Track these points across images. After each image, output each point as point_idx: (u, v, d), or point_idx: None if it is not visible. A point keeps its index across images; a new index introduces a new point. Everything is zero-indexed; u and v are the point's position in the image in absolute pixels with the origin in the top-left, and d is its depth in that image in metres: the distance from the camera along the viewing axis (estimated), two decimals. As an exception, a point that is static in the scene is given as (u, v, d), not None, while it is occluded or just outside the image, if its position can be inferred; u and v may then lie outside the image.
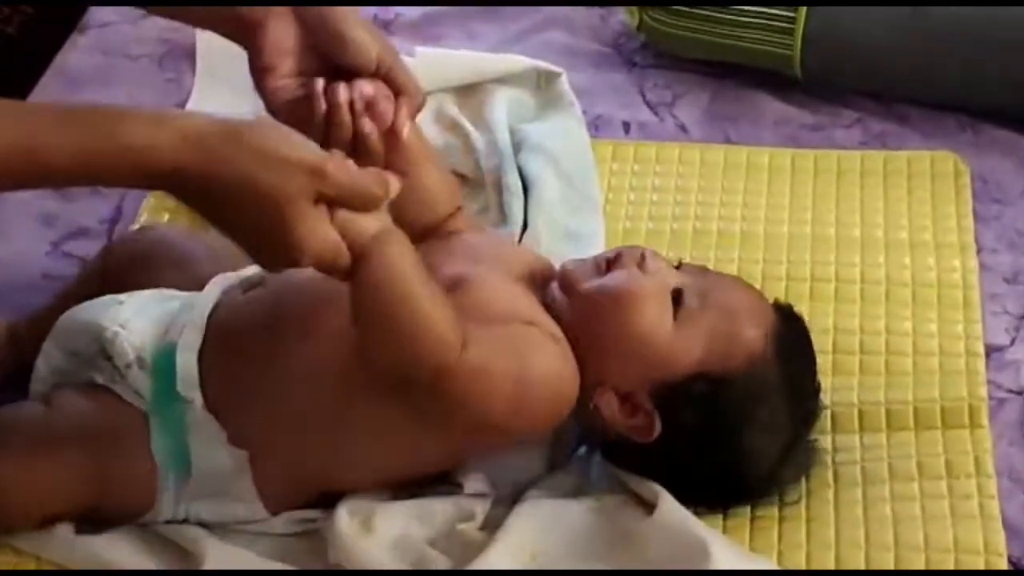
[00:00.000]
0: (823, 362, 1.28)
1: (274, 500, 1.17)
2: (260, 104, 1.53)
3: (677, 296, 1.16)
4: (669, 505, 1.15)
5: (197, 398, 1.16)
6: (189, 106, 1.57)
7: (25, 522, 1.15)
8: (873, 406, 1.27)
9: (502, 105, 1.53)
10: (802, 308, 1.32)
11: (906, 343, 1.33)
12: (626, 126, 1.59)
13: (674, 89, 1.63)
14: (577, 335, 1.16)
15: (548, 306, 1.17)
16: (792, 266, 1.41)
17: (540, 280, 1.20)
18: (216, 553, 1.14)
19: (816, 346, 1.28)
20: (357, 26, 1.16)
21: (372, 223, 1.05)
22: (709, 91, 1.63)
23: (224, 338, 1.17)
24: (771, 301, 1.22)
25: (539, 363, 1.13)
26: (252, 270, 1.24)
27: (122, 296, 1.22)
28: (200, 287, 1.23)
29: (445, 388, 1.08)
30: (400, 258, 1.07)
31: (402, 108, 1.17)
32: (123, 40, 1.67)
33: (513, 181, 1.44)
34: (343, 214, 1.03)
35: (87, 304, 1.23)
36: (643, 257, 1.18)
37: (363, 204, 1.04)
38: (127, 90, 1.61)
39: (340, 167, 1.03)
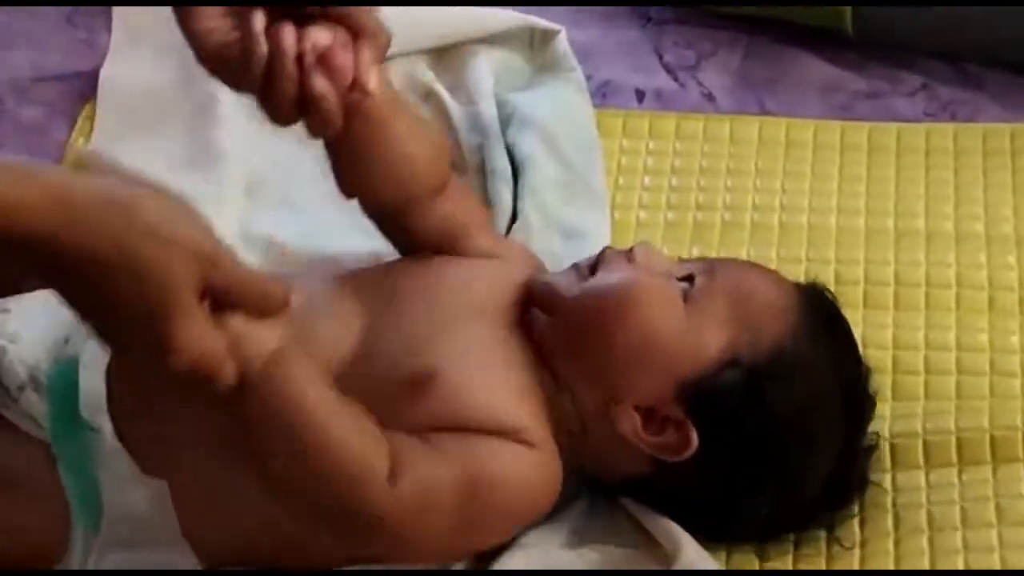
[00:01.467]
0: (880, 384, 1.29)
1: (209, 550, 1.17)
2: (190, 69, 1.57)
3: (685, 280, 1.19)
4: (691, 556, 1.16)
5: (105, 425, 1.15)
6: (105, 71, 1.58)
7: None
8: (941, 436, 1.28)
9: (487, 70, 1.53)
10: (856, 318, 1.35)
11: (981, 360, 1.34)
12: (639, 94, 1.59)
13: (698, 48, 1.64)
14: (573, 356, 1.17)
15: (535, 338, 1.19)
16: (842, 266, 1.41)
17: (528, 300, 1.21)
18: None
19: (872, 365, 1.29)
20: None
21: (268, 335, 1.04)
22: (741, 51, 1.64)
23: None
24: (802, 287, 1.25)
25: (500, 482, 1.13)
26: None
27: (7, 302, 1.21)
28: None
29: (374, 531, 1.09)
30: (299, 382, 1.06)
31: (363, 53, 1.08)
32: None
33: (500, 164, 1.44)
34: (236, 320, 1.01)
35: None
36: (631, 251, 1.20)
37: (258, 309, 1.02)
38: (29, 53, 1.62)
39: (236, 263, 1.01)
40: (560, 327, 1.18)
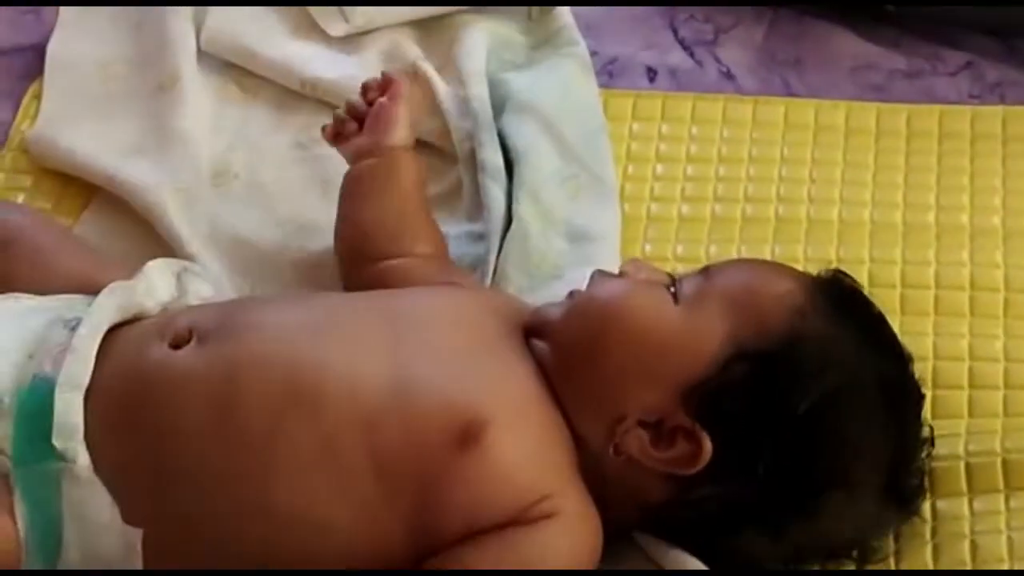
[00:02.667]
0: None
1: None
2: (147, 42, 1.57)
3: (673, 284, 1.22)
4: None
5: (81, 455, 1.16)
6: (52, 45, 1.59)
7: None
8: (986, 458, 1.28)
9: (480, 47, 1.54)
10: (892, 323, 1.32)
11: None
12: (651, 72, 1.60)
13: (716, 22, 1.65)
14: (570, 377, 1.21)
15: (544, 369, 1.22)
16: (877, 266, 1.43)
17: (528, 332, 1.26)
18: None
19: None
20: None
21: None
22: (764, 24, 1.65)
23: (133, 390, 1.19)
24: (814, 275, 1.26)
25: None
26: (161, 292, 1.27)
27: None
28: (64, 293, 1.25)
29: None
30: None
31: None
32: None
33: (492, 158, 1.45)
34: None
35: None
36: (623, 269, 1.25)
37: None
38: None
39: None
40: (554, 350, 1.22)
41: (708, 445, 1.16)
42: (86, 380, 1.18)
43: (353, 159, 1.41)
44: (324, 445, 1.18)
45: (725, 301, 1.20)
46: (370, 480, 1.18)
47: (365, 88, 1.42)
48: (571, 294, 1.26)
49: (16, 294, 1.26)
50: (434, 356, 1.22)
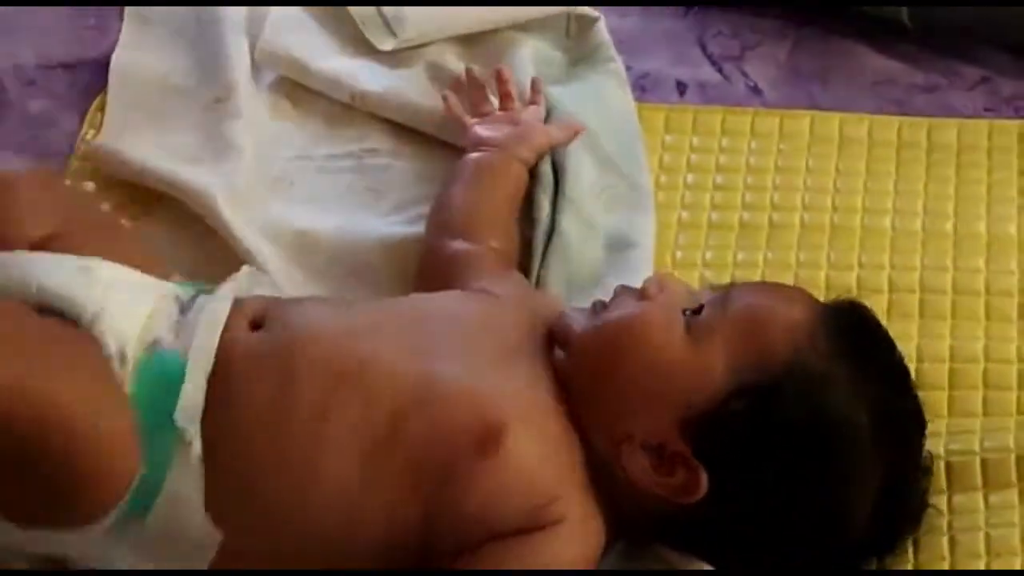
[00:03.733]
0: (937, 400, 1.31)
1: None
2: (204, 56, 1.57)
3: (689, 313, 1.21)
4: None
5: (196, 443, 1.17)
6: (116, 58, 1.59)
7: None
8: (1000, 454, 1.28)
9: (528, 63, 1.53)
10: (911, 329, 1.36)
11: None
12: (681, 87, 1.60)
13: (744, 38, 1.65)
14: (584, 391, 1.21)
15: (560, 378, 1.23)
16: (897, 272, 1.43)
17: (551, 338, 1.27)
18: None
19: (928, 379, 1.32)
20: None
21: None
22: (789, 41, 1.65)
23: (221, 382, 1.19)
24: (829, 304, 1.25)
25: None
26: (244, 287, 1.27)
27: (89, 263, 1.22)
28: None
29: None
30: None
31: None
32: None
33: (544, 168, 1.46)
34: None
35: (24, 260, 1.22)
36: (645, 287, 1.24)
37: None
38: (35, 40, 1.64)
39: None
40: (573, 362, 1.23)
41: (704, 480, 1.17)
42: (208, 370, 1.18)
43: (473, 145, 1.46)
44: (363, 430, 1.19)
45: (732, 334, 1.20)
46: (398, 468, 1.18)
47: (501, 78, 1.49)
48: (594, 305, 1.26)
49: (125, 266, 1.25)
50: (458, 360, 1.23)
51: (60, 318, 1.18)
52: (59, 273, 1.21)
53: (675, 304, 1.23)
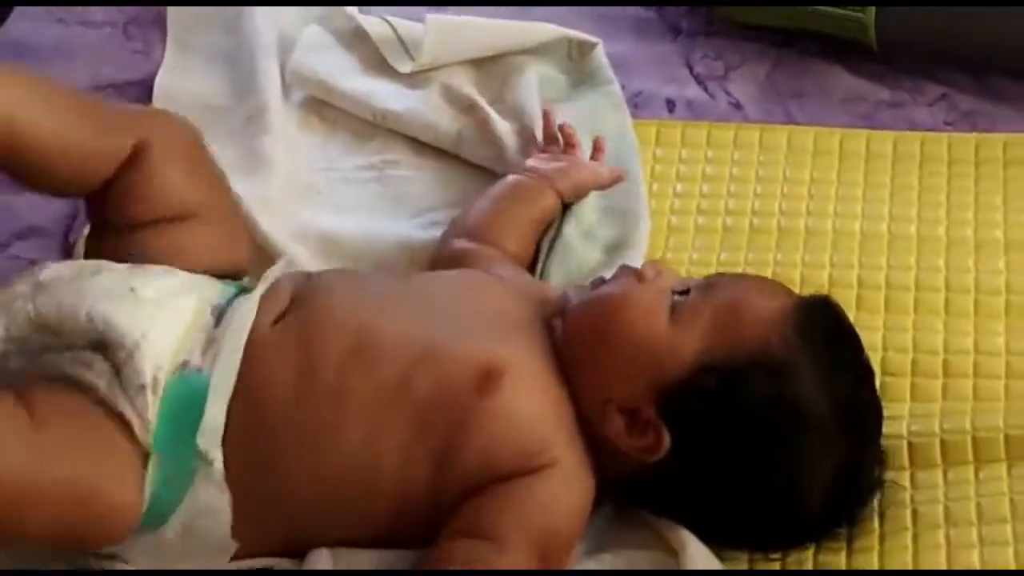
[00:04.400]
0: (900, 387, 1.31)
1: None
2: (239, 79, 1.57)
3: (678, 294, 1.22)
4: (693, 554, 1.18)
5: (218, 461, 1.16)
6: (159, 80, 1.59)
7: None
8: (958, 436, 1.28)
9: (532, 85, 1.53)
10: (876, 322, 1.36)
11: (998, 363, 1.34)
12: (670, 104, 1.60)
13: (727, 60, 1.65)
14: (573, 356, 1.22)
15: (556, 347, 1.23)
16: (865, 271, 1.42)
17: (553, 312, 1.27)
18: None
19: (890, 368, 1.32)
20: None
21: None
22: (768, 62, 1.64)
23: (250, 387, 1.18)
24: (804, 295, 1.26)
25: (554, 524, 1.18)
26: (279, 272, 1.27)
27: (135, 281, 1.21)
28: (200, 266, 1.26)
29: None
30: None
31: None
32: (82, 6, 1.69)
33: None
34: None
35: (75, 284, 1.20)
36: (642, 269, 1.24)
37: None
38: (88, 63, 1.64)
39: None
40: (566, 330, 1.23)
41: (666, 442, 1.18)
42: (231, 388, 1.17)
43: (519, 169, 1.45)
44: (379, 392, 1.19)
45: (710, 318, 1.20)
46: (409, 422, 1.19)
47: (563, 131, 1.47)
48: (593, 282, 1.27)
49: (176, 270, 1.24)
50: (460, 323, 1.24)
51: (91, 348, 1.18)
52: (109, 299, 1.20)
53: (665, 287, 1.23)
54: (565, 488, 1.19)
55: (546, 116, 1.49)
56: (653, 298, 1.22)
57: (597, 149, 1.47)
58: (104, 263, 1.23)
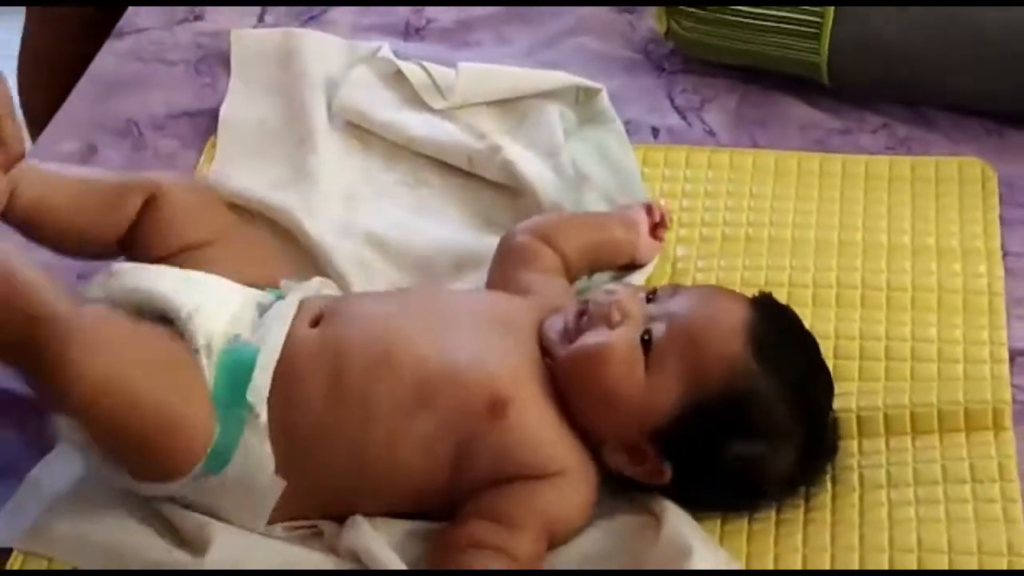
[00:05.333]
0: (848, 369, 1.31)
1: (276, 516, 1.19)
2: (290, 108, 1.57)
3: (646, 338, 1.18)
4: (672, 519, 1.17)
5: (263, 414, 1.16)
6: (224, 109, 1.59)
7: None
8: (898, 410, 1.28)
9: (556, 118, 1.51)
10: (829, 315, 1.37)
11: (931, 349, 1.34)
12: (655, 131, 1.59)
13: (702, 94, 1.64)
14: (568, 398, 1.19)
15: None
16: (819, 273, 1.41)
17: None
18: (223, 538, 1.17)
19: (840, 353, 1.32)
20: None
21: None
22: (737, 96, 1.63)
23: (288, 372, 1.18)
24: (750, 297, 1.24)
25: (562, 516, 1.17)
26: (314, 288, 1.28)
27: (190, 273, 1.23)
28: (234, 274, 1.26)
29: None
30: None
31: None
32: (159, 46, 1.70)
33: (592, 199, 1.46)
34: None
35: (139, 270, 1.22)
36: (609, 308, 1.19)
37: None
38: (163, 94, 1.64)
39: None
40: (557, 376, 1.20)
41: (668, 472, 1.18)
42: (275, 361, 1.18)
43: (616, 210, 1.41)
44: (401, 401, 1.18)
45: (681, 366, 1.17)
46: (427, 432, 1.17)
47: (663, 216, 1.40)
48: (575, 314, 1.22)
49: (220, 277, 1.25)
50: (473, 347, 1.21)
51: (160, 320, 1.18)
52: (164, 281, 1.21)
53: (634, 336, 1.19)
54: (572, 490, 1.18)
55: (656, 206, 1.41)
56: (626, 350, 1.18)
57: (663, 225, 1.41)
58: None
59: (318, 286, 1.31)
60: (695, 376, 1.17)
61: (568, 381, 1.20)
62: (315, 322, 1.22)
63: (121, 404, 1.12)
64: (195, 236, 1.28)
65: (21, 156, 1.20)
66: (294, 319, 1.22)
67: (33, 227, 1.27)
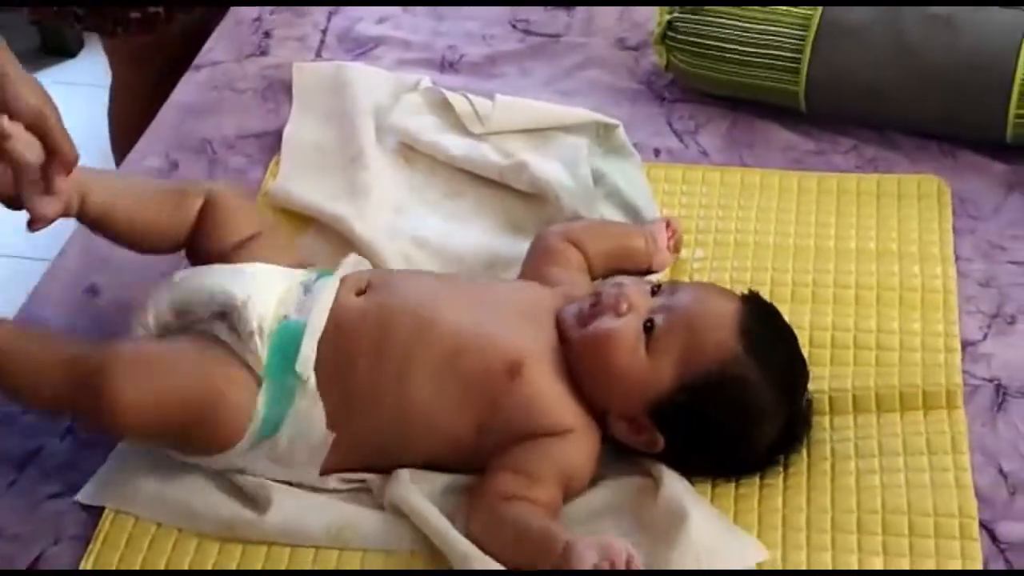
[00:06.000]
0: (822, 356, 1.31)
1: (328, 468, 1.20)
2: (344, 131, 1.58)
3: (649, 325, 1.19)
4: (669, 482, 1.18)
5: (311, 379, 1.17)
6: (286, 131, 1.60)
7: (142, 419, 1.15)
8: (865, 391, 1.28)
9: (583, 146, 1.51)
10: (805, 309, 1.37)
11: (894, 339, 1.34)
12: (656, 152, 1.59)
13: (697, 120, 1.63)
14: (579, 374, 1.20)
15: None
16: (797, 273, 1.41)
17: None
18: (281, 497, 1.18)
19: (815, 342, 1.33)
20: (19, 79, 1.15)
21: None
22: (727, 121, 1.63)
23: (336, 336, 1.19)
24: (740, 295, 1.24)
25: (575, 467, 1.18)
26: (351, 269, 1.28)
27: (241, 266, 1.23)
28: (285, 259, 1.27)
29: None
30: None
31: (52, 165, 1.17)
32: (230, 77, 1.70)
33: (607, 209, 1.46)
34: None
35: (205, 270, 1.24)
36: (618, 299, 1.20)
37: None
38: (234, 118, 1.64)
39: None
40: (570, 356, 1.21)
41: (661, 441, 1.18)
42: (321, 330, 1.19)
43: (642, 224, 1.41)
44: (435, 365, 1.18)
45: (678, 347, 1.18)
46: (457, 391, 1.18)
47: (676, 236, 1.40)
48: (588, 301, 1.22)
49: (270, 264, 1.25)
50: (499, 318, 1.22)
51: (218, 316, 1.19)
52: (220, 278, 1.22)
53: (638, 322, 1.19)
54: (578, 448, 1.19)
55: (674, 222, 1.41)
56: (631, 335, 1.19)
57: (677, 250, 1.41)
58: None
59: (355, 262, 1.30)
60: (690, 358, 1.18)
61: (580, 359, 1.20)
62: (361, 291, 1.24)
63: (162, 410, 1.14)
64: (246, 231, 1.28)
65: (76, 160, 1.19)
66: (339, 290, 1.22)
67: (105, 227, 1.27)
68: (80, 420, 1.21)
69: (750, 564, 1.14)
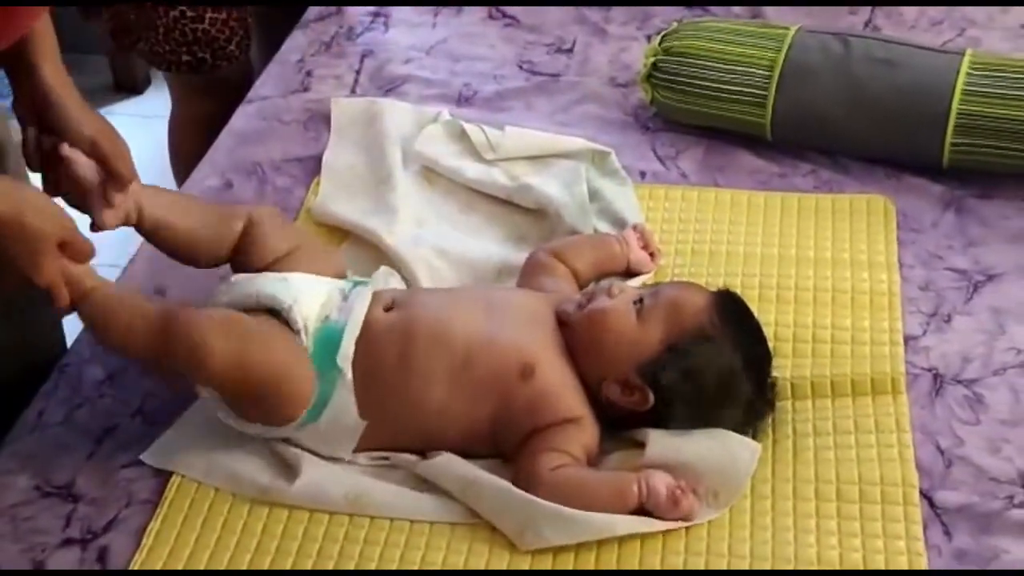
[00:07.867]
0: (785, 348, 1.32)
1: (360, 448, 1.20)
2: (375, 157, 1.58)
3: (638, 301, 1.21)
4: (654, 438, 1.19)
5: (349, 373, 1.18)
6: (325, 156, 1.60)
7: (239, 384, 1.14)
8: (821, 379, 1.29)
9: (583, 170, 1.50)
10: (771, 308, 1.38)
11: (846, 334, 1.34)
12: (643, 174, 1.59)
13: (677, 146, 1.64)
14: (579, 350, 1.22)
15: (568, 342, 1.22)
16: (763, 278, 1.42)
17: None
18: (308, 467, 1.18)
19: (779, 336, 1.34)
20: (78, 110, 1.16)
21: (88, 276, 1.13)
22: (703, 148, 1.63)
23: (367, 344, 1.20)
24: (716, 290, 1.26)
25: (591, 448, 1.19)
26: (382, 281, 1.29)
27: (284, 275, 1.23)
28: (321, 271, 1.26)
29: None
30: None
31: (109, 183, 1.18)
32: (278, 109, 1.70)
33: (600, 223, 1.45)
34: (75, 267, 1.11)
35: (251, 279, 1.22)
36: (611, 287, 1.23)
37: (82, 257, 1.12)
38: (281, 145, 1.64)
39: (78, 233, 1.11)
40: (571, 336, 1.23)
41: (651, 398, 1.19)
42: (359, 331, 1.20)
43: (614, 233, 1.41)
44: (452, 369, 1.18)
45: (663, 315, 1.20)
46: (472, 391, 1.18)
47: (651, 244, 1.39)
48: (583, 294, 1.25)
49: (307, 274, 1.24)
50: (509, 325, 1.22)
51: (269, 313, 1.19)
52: (269, 284, 1.21)
53: (629, 298, 1.22)
54: (589, 432, 1.20)
55: (645, 232, 1.41)
56: (624, 306, 1.21)
57: (654, 258, 1.41)
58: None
59: (384, 274, 1.32)
60: (674, 324, 1.19)
61: (580, 334, 1.21)
62: (388, 308, 1.24)
63: (245, 368, 1.14)
64: (284, 247, 1.27)
65: (131, 180, 1.18)
66: (371, 305, 1.23)
67: (159, 238, 1.25)
68: (168, 370, 1.16)
69: (757, 455, 1.17)
